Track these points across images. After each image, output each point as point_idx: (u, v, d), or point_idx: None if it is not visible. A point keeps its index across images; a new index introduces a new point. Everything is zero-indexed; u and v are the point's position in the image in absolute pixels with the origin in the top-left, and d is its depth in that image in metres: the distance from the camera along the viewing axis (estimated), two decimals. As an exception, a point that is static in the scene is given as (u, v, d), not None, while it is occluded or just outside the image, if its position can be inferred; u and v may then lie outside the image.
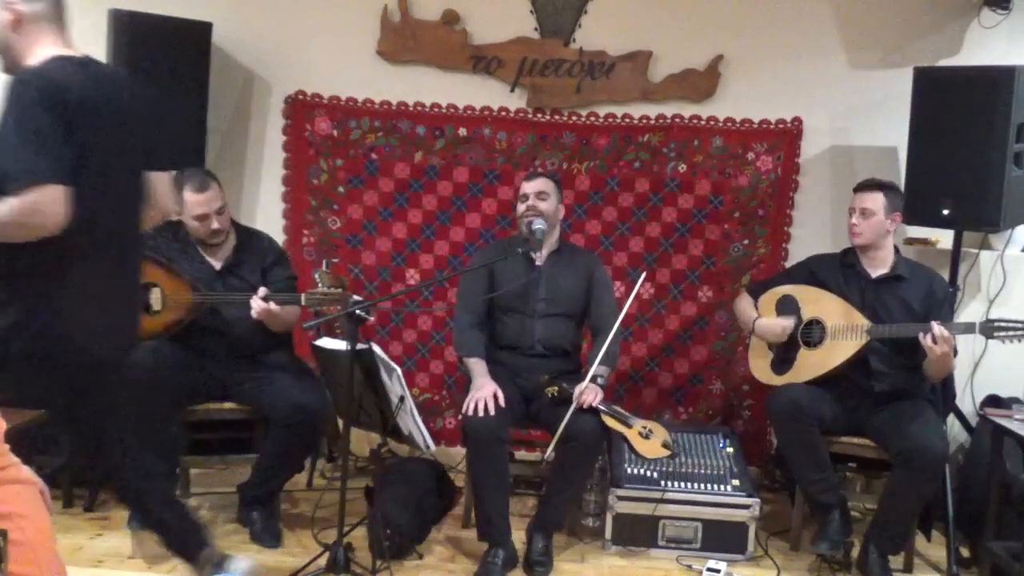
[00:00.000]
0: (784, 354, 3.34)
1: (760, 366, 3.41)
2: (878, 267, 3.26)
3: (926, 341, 2.97)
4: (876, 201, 3.19)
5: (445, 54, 3.86)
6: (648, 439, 3.31)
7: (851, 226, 3.23)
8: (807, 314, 3.28)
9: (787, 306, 3.33)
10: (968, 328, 3.03)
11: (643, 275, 3.42)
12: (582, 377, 3.29)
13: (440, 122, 3.92)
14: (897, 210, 3.23)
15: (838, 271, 3.32)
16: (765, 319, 3.36)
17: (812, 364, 3.23)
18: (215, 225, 3.15)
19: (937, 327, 2.96)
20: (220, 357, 3.22)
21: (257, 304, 3.05)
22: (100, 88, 2.28)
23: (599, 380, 3.16)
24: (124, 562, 3.01)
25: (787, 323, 3.29)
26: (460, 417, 3.14)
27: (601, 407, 3.12)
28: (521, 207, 3.28)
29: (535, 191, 3.26)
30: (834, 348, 3.19)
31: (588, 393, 3.08)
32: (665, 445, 3.32)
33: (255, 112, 3.98)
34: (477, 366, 3.19)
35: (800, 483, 3.23)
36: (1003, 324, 2.96)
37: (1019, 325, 2.93)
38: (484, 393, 3.03)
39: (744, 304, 3.47)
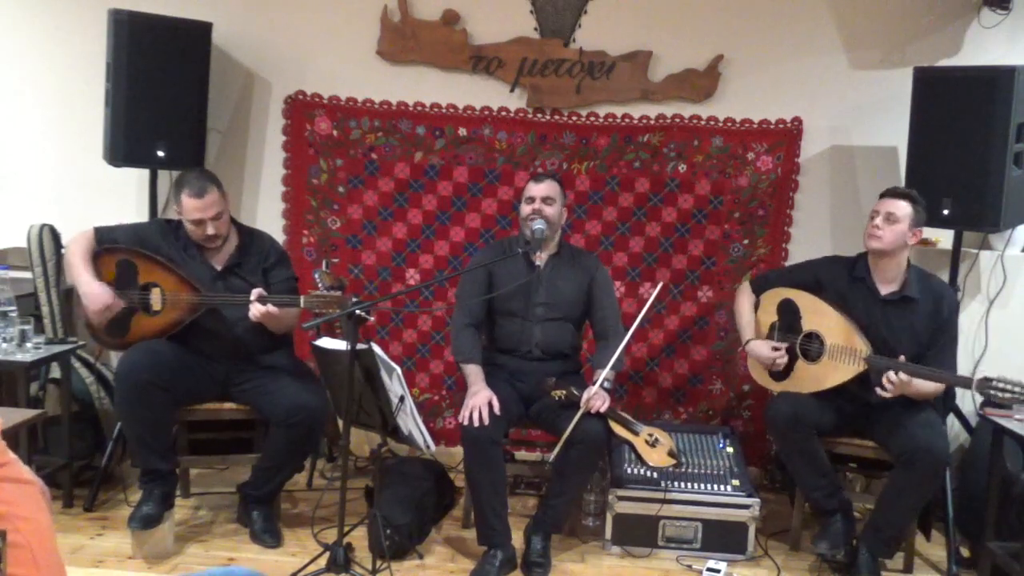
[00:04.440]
0: None
1: (760, 370, 3.37)
2: (889, 283, 3.15)
3: (885, 378, 2.93)
4: (903, 209, 3.07)
5: (445, 54, 3.86)
6: (655, 447, 3.29)
7: (871, 228, 3.09)
8: (807, 325, 3.22)
9: (788, 312, 3.28)
10: (965, 383, 2.88)
11: (660, 285, 3.39)
12: (583, 377, 3.28)
13: (440, 122, 3.92)
14: (919, 226, 3.12)
15: (845, 283, 3.21)
16: (757, 343, 3.30)
17: (808, 378, 3.19)
18: (210, 231, 3.12)
19: (898, 377, 2.90)
20: (220, 357, 3.21)
21: (255, 309, 3.02)
22: None
23: (605, 384, 3.13)
24: (124, 562, 3.01)
25: (779, 355, 3.21)
26: (459, 419, 3.14)
27: (608, 413, 3.11)
28: (527, 209, 3.24)
29: (542, 195, 3.22)
30: (831, 368, 3.14)
31: (596, 399, 3.04)
32: (671, 454, 3.30)
33: (255, 112, 3.98)
34: (473, 372, 3.17)
35: (802, 490, 3.22)
36: (1000, 386, 2.74)
37: (1017, 389, 2.71)
38: (479, 401, 3.02)
39: (744, 304, 3.40)
